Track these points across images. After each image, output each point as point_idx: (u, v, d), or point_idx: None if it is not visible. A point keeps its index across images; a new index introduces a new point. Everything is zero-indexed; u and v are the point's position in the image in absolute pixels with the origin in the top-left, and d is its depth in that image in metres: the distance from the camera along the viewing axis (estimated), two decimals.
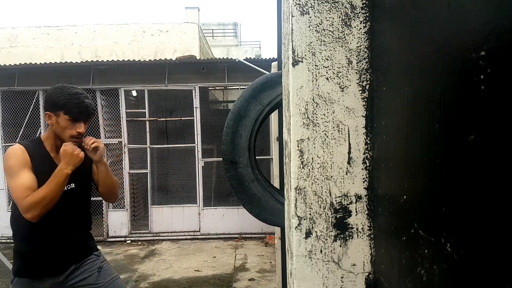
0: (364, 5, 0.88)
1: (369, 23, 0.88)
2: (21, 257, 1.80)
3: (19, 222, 1.75)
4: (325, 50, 0.89)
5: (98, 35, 9.40)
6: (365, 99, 0.89)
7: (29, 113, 6.36)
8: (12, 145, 1.89)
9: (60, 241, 1.81)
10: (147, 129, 6.35)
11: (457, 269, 0.49)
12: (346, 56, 0.89)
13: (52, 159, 1.82)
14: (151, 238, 6.41)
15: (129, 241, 6.39)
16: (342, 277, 0.91)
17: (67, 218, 1.82)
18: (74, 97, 1.76)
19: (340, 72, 0.89)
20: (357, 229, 0.90)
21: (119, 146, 6.47)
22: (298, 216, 0.91)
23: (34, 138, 1.85)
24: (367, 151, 0.89)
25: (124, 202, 6.48)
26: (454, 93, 0.50)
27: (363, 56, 0.89)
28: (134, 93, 6.79)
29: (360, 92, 0.89)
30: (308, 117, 0.90)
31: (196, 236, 6.42)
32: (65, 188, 1.76)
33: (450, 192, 0.51)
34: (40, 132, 6.39)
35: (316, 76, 0.89)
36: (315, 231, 0.90)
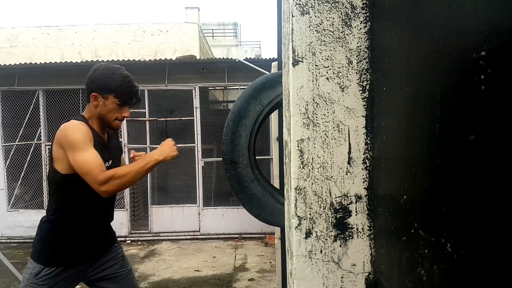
0: (364, 5, 0.88)
1: (369, 23, 0.88)
2: (58, 246, 1.70)
3: (64, 209, 1.69)
4: (325, 50, 0.89)
5: (98, 35, 9.39)
6: (365, 99, 0.89)
7: (29, 113, 6.36)
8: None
9: (96, 227, 1.80)
10: (147, 129, 6.35)
11: (457, 269, 0.49)
12: (346, 56, 0.89)
13: (103, 138, 1.79)
14: (151, 238, 6.41)
15: (129, 241, 6.39)
16: (342, 277, 0.91)
17: (102, 203, 1.77)
18: (127, 81, 1.72)
19: (340, 72, 0.89)
20: (357, 229, 0.90)
21: None
22: (298, 216, 0.91)
23: (78, 116, 1.74)
24: (367, 151, 0.89)
25: (124, 202, 6.48)
26: (454, 93, 0.50)
27: (363, 56, 0.89)
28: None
29: (360, 92, 0.89)
30: (308, 117, 0.90)
31: (196, 236, 6.42)
32: (106, 164, 1.71)
33: (450, 192, 0.51)
34: (40, 132, 6.39)
35: (316, 76, 0.89)
36: (315, 231, 0.90)
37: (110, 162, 1.82)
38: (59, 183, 1.69)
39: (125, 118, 1.80)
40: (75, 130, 1.62)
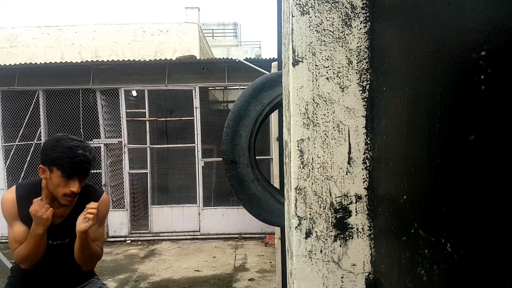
0: (364, 5, 0.88)
1: (369, 23, 0.88)
2: None
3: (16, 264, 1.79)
4: (325, 50, 0.89)
5: (98, 35, 9.39)
6: (365, 99, 0.89)
7: (29, 113, 6.36)
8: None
9: (53, 275, 1.80)
10: (147, 129, 6.35)
11: (457, 269, 0.49)
12: (347, 56, 0.89)
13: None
14: (151, 238, 6.41)
15: (129, 241, 6.39)
16: (342, 277, 0.91)
17: (56, 270, 1.78)
18: (68, 151, 1.57)
19: (340, 72, 0.89)
20: (357, 229, 0.90)
21: (119, 146, 6.47)
22: (298, 216, 0.91)
23: (34, 180, 1.73)
24: (367, 151, 0.89)
25: (124, 202, 6.48)
26: (454, 93, 0.50)
27: (363, 56, 0.89)
28: (134, 93, 6.79)
29: (360, 92, 0.89)
30: (308, 117, 0.90)
31: (196, 236, 6.42)
32: (55, 243, 1.73)
33: (450, 192, 0.51)
34: (40, 132, 6.39)
35: (316, 76, 0.89)
36: (315, 231, 0.90)
37: (67, 240, 1.74)
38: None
39: (75, 194, 1.62)
40: (2, 203, 1.69)
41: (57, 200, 1.64)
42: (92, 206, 1.63)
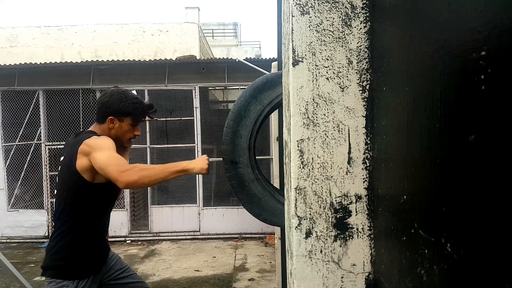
0: (364, 5, 0.88)
1: (369, 23, 0.88)
2: (84, 257, 1.73)
3: (81, 217, 1.72)
4: (326, 50, 0.89)
5: (98, 35, 9.39)
6: (365, 99, 0.89)
7: (29, 113, 6.36)
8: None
9: (104, 232, 1.91)
10: (147, 129, 6.35)
11: (457, 269, 0.49)
12: (347, 56, 0.89)
13: None
14: (151, 238, 6.41)
15: (129, 241, 6.39)
16: (342, 277, 0.91)
17: (109, 210, 1.92)
18: (139, 102, 1.87)
19: (340, 72, 0.89)
20: (357, 229, 0.90)
21: None
22: (298, 216, 0.91)
23: (94, 133, 1.82)
24: (367, 151, 0.89)
25: (124, 202, 6.48)
26: (454, 93, 0.50)
27: (363, 56, 0.89)
28: (134, 93, 6.79)
29: (360, 92, 0.89)
30: (308, 117, 0.90)
31: (196, 236, 6.41)
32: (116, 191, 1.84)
33: (450, 192, 0.51)
34: (40, 132, 6.39)
35: (316, 76, 0.89)
36: (315, 231, 0.90)
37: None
38: (83, 191, 1.71)
39: (136, 137, 1.93)
40: (105, 139, 1.73)
41: (122, 144, 1.88)
42: None
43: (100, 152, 1.63)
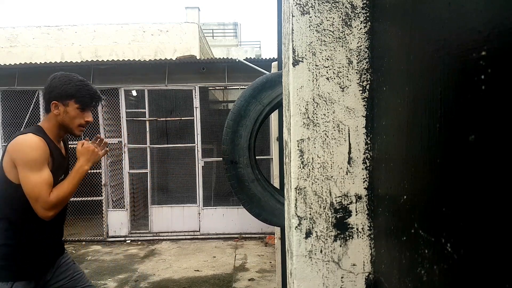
0: (365, 5, 0.88)
1: (369, 23, 0.88)
2: (22, 260, 1.64)
3: (19, 222, 1.64)
4: (326, 50, 0.89)
5: (98, 35, 9.39)
6: (365, 99, 0.89)
7: (29, 113, 6.36)
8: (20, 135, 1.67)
9: (52, 236, 1.78)
10: (147, 129, 6.34)
11: (457, 269, 0.49)
12: (347, 56, 0.89)
13: (60, 150, 1.79)
14: (151, 238, 6.41)
15: (129, 241, 6.38)
16: (342, 277, 0.91)
17: (54, 228, 1.78)
18: (84, 84, 1.73)
19: (340, 72, 0.89)
20: (357, 229, 0.90)
21: (119, 146, 6.47)
22: (298, 216, 0.91)
23: (35, 127, 1.70)
24: (367, 151, 0.89)
25: (124, 202, 6.48)
26: (454, 93, 0.50)
27: (363, 56, 0.89)
28: (134, 93, 6.79)
29: (361, 92, 0.89)
30: (308, 117, 0.90)
31: (196, 236, 6.41)
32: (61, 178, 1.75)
33: (450, 192, 0.51)
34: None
35: (316, 76, 0.89)
36: (315, 231, 0.90)
37: (63, 176, 1.81)
38: (15, 195, 1.61)
39: (88, 124, 1.78)
40: (32, 148, 1.58)
41: (71, 132, 1.77)
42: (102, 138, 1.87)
43: (27, 173, 1.56)
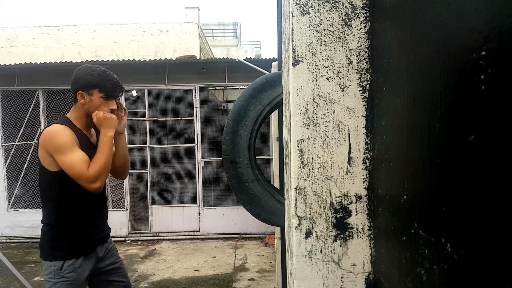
0: (365, 5, 0.88)
1: (369, 23, 0.88)
2: (70, 237, 1.79)
3: (63, 205, 1.79)
4: (326, 50, 0.89)
5: (98, 35, 9.39)
6: (365, 99, 0.89)
7: (29, 113, 6.35)
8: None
9: (95, 216, 1.90)
10: (147, 129, 6.34)
11: (457, 269, 0.49)
12: (347, 56, 0.89)
13: (88, 137, 1.89)
14: (151, 238, 6.41)
15: (129, 241, 6.38)
16: (342, 277, 0.91)
17: (99, 209, 1.92)
18: (107, 74, 1.84)
19: (340, 72, 0.89)
20: (357, 229, 0.90)
21: None
22: (298, 216, 0.91)
23: (63, 119, 1.84)
24: (367, 151, 0.89)
25: (124, 202, 6.48)
26: (454, 93, 0.50)
27: (363, 56, 0.89)
28: (134, 93, 6.79)
29: (361, 92, 0.89)
30: (308, 117, 0.90)
31: (196, 236, 6.41)
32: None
33: (450, 192, 0.51)
34: (40, 131, 6.38)
35: (316, 76, 0.89)
36: (315, 231, 0.90)
37: None
38: (53, 182, 1.78)
39: (112, 112, 1.87)
40: (58, 134, 1.73)
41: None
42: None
43: (61, 156, 1.71)
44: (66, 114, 1.89)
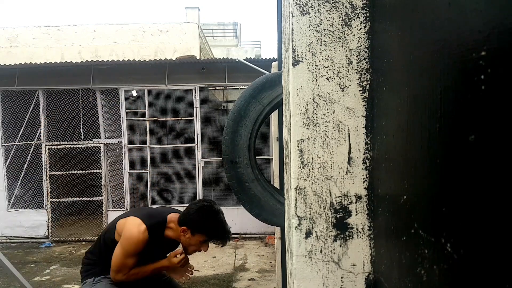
0: (364, 5, 0.88)
1: (369, 23, 0.88)
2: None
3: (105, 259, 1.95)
4: (325, 50, 0.89)
5: (98, 35, 9.39)
6: (365, 99, 0.89)
7: (29, 113, 6.35)
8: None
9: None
10: (147, 129, 6.34)
11: (457, 269, 0.49)
12: (347, 56, 0.89)
13: (163, 244, 1.97)
14: None
15: None
16: (342, 277, 0.91)
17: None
18: (221, 227, 1.90)
19: (340, 72, 0.89)
20: (357, 229, 0.90)
21: (119, 146, 6.47)
22: (298, 216, 0.91)
23: (161, 220, 1.92)
24: (367, 151, 0.89)
25: (124, 202, 6.48)
26: (454, 93, 0.50)
27: (363, 56, 0.89)
28: (134, 93, 6.79)
29: (360, 92, 0.89)
30: (308, 117, 0.90)
31: None
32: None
33: (450, 192, 0.51)
34: (40, 132, 6.38)
35: (316, 76, 0.89)
36: (315, 231, 0.90)
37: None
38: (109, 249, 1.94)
39: (202, 251, 2.00)
40: (133, 237, 1.82)
41: (184, 250, 1.96)
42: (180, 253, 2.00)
43: (119, 246, 1.85)
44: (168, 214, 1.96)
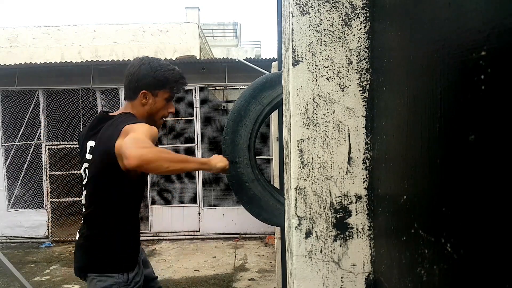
0: (365, 5, 0.88)
1: (369, 23, 0.88)
2: (130, 249, 1.62)
3: (127, 215, 1.62)
4: (326, 50, 0.89)
5: (98, 35, 9.39)
6: (365, 99, 0.89)
7: (29, 113, 6.35)
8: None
9: (138, 223, 1.78)
10: None
11: (457, 269, 0.49)
12: (347, 56, 0.89)
13: None
14: (151, 238, 6.40)
15: None
16: (342, 277, 0.91)
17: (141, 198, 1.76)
18: (174, 70, 1.64)
19: (340, 72, 0.89)
20: (357, 229, 0.90)
21: None
22: (298, 216, 0.91)
23: (134, 117, 1.60)
24: (367, 151, 0.89)
25: None
26: (454, 93, 0.50)
27: (363, 56, 0.89)
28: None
29: (360, 92, 0.89)
30: (308, 117, 0.90)
31: (196, 236, 6.41)
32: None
33: (450, 192, 0.51)
34: (40, 132, 6.39)
35: (316, 76, 0.89)
36: (315, 231, 0.90)
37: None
38: (120, 183, 1.54)
39: (170, 115, 1.72)
40: (148, 126, 1.49)
41: (153, 123, 1.61)
42: None
43: (132, 133, 1.39)
44: (103, 109, 1.70)
